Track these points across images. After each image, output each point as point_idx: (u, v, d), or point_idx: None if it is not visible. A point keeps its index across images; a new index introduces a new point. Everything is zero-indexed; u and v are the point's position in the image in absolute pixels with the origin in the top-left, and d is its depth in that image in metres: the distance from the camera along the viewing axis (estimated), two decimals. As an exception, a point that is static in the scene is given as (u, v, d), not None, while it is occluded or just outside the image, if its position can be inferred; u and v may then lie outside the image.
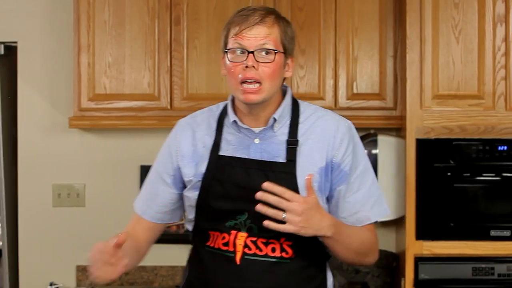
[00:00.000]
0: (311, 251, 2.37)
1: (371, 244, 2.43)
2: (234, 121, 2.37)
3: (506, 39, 3.64)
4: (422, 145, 3.64)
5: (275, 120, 2.35)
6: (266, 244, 2.32)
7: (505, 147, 3.64)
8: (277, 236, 2.30)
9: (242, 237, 2.31)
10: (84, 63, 3.95)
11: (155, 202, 2.47)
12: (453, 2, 3.65)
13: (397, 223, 4.06)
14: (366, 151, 3.92)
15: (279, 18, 2.33)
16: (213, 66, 3.94)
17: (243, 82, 2.27)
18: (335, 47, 3.93)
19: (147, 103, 3.94)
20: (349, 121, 2.45)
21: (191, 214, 2.43)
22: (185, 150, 2.41)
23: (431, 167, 3.64)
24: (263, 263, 2.32)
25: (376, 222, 2.47)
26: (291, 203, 2.15)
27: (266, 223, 2.15)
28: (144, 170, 4.21)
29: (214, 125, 2.41)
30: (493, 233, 3.65)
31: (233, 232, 2.32)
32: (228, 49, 2.29)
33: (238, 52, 2.28)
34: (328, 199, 2.39)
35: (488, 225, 3.65)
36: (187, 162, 2.40)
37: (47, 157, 4.24)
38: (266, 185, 2.14)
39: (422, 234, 3.65)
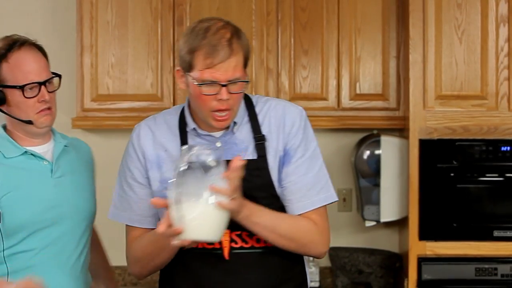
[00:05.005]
0: None
1: (308, 232, 2.39)
2: (194, 128, 2.39)
3: (509, 39, 3.64)
4: (425, 145, 3.64)
5: (235, 123, 2.38)
6: (250, 236, 2.35)
7: (508, 148, 3.64)
8: None
9: (226, 233, 2.32)
10: (87, 64, 3.95)
11: (143, 206, 2.43)
12: (456, 3, 3.65)
13: (400, 223, 4.06)
14: (368, 151, 3.96)
15: (240, 37, 2.30)
16: (216, 67, 3.93)
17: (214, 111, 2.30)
18: (338, 48, 3.94)
19: (150, 103, 3.94)
20: (300, 107, 2.47)
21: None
22: (149, 153, 2.41)
23: (434, 167, 3.64)
24: (251, 254, 2.35)
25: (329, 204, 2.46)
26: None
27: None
28: (147, 171, 4.21)
29: (175, 130, 2.42)
30: (496, 233, 3.65)
31: None
32: (201, 84, 2.26)
33: (210, 84, 2.27)
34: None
35: (491, 225, 3.65)
36: (152, 166, 2.40)
37: (50, 158, 4.24)
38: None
39: (425, 234, 3.65)
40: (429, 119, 3.65)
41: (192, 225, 2.13)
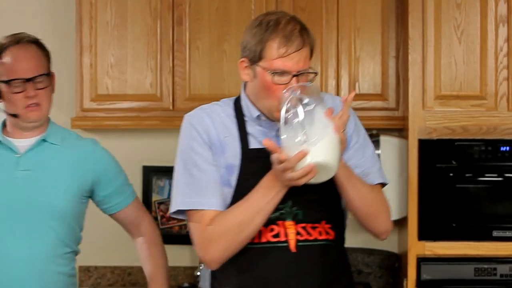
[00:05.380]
0: (342, 232, 2.48)
1: (381, 200, 2.46)
2: (258, 116, 2.40)
3: (508, 39, 3.64)
4: (425, 145, 3.64)
5: None
6: (313, 228, 2.38)
7: (508, 148, 3.64)
8: (319, 219, 2.38)
9: (290, 225, 2.36)
10: (86, 64, 3.95)
11: (218, 188, 2.38)
12: (455, 3, 3.65)
13: (400, 223, 4.06)
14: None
15: (307, 30, 2.37)
16: (215, 67, 3.94)
17: None
18: (337, 48, 3.93)
19: (149, 103, 3.95)
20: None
21: None
22: (213, 138, 2.40)
23: (433, 167, 3.64)
24: (316, 247, 2.37)
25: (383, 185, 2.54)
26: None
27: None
28: (146, 171, 4.21)
29: (232, 119, 2.43)
30: (495, 233, 3.65)
31: (280, 222, 2.35)
32: (274, 72, 2.30)
33: (281, 73, 2.31)
34: None
35: (490, 225, 3.65)
36: (217, 151, 2.39)
37: (49, 158, 4.24)
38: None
39: (425, 234, 3.65)
40: (429, 119, 3.65)
41: (316, 147, 2.17)
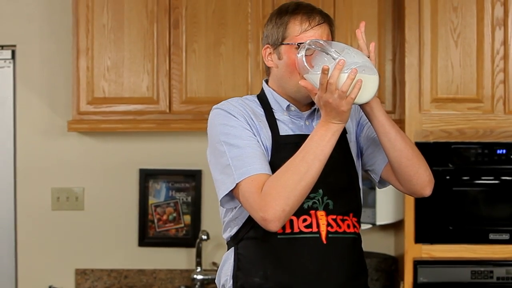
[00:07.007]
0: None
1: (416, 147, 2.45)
2: (288, 105, 2.40)
3: (504, 42, 3.64)
4: (421, 148, 3.57)
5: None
6: (342, 220, 2.37)
7: (504, 151, 3.64)
8: (347, 211, 2.38)
9: (322, 216, 2.34)
10: (83, 67, 3.95)
11: (265, 157, 2.32)
12: (452, 6, 3.66)
13: (396, 226, 4.06)
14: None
15: (326, 13, 2.44)
16: (212, 70, 3.94)
17: None
18: (334, 51, 3.93)
19: (146, 106, 3.94)
20: None
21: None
22: (248, 119, 2.37)
23: (430, 170, 3.64)
24: (345, 239, 2.37)
25: None
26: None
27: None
28: (143, 174, 4.21)
29: (260, 108, 2.42)
30: (492, 236, 3.65)
31: (312, 212, 2.34)
32: (300, 43, 2.32)
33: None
34: (362, 154, 2.51)
35: (487, 228, 3.65)
36: (255, 132, 2.36)
37: (45, 161, 4.24)
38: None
39: (421, 237, 3.65)
40: (425, 122, 3.65)
41: (350, 54, 2.25)
